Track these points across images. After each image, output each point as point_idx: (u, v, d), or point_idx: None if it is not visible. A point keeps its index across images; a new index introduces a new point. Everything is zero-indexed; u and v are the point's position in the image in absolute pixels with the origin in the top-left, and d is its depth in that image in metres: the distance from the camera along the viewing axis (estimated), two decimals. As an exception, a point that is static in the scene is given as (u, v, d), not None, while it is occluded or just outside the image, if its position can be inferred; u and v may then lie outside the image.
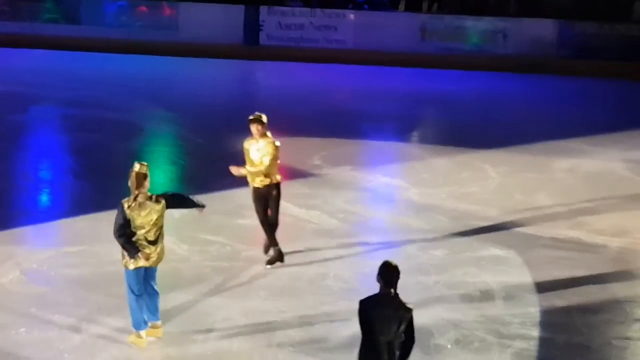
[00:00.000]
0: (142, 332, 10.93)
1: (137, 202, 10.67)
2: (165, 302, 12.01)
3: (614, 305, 12.74)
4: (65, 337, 11.07)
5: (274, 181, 13.21)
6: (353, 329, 11.57)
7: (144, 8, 33.06)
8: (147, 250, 10.74)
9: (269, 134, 13.17)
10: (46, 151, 19.68)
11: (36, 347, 10.83)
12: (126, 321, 11.13)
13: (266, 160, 13.01)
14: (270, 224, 13.35)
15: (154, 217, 10.72)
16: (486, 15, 33.08)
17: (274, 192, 13.26)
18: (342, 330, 11.51)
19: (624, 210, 16.68)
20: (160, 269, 12.94)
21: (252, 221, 15.51)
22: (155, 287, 11.04)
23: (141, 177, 10.71)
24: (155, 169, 18.57)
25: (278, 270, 13.32)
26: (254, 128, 13.08)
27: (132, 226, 10.63)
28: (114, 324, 11.39)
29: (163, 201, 10.82)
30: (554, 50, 32.21)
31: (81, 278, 12.80)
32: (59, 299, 12.13)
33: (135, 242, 10.68)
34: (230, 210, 15.76)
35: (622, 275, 13.87)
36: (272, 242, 13.38)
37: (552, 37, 32.31)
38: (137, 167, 10.77)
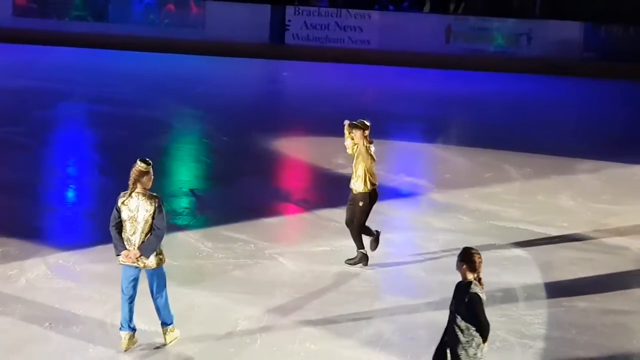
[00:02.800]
0: (122, 334, 10.70)
1: (130, 198, 10.51)
2: (189, 298, 12.13)
3: (636, 307, 12.76)
4: (89, 332, 11.16)
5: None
6: (375, 327, 11.68)
7: (171, 6, 33.23)
8: (131, 249, 10.49)
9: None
10: (73, 147, 19.86)
11: (60, 342, 10.94)
12: (150, 318, 11.22)
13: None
14: (349, 228, 13.42)
15: (142, 215, 10.46)
16: (511, 17, 33.06)
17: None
18: (365, 328, 11.59)
19: (647, 213, 16.70)
20: (185, 265, 13.13)
21: (276, 219, 15.64)
22: (159, 292, 10.73)
23: (139, 174, 10.54)
24: (180, 166, 18.82)
25: (302, 268, 13.42)
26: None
27: (123, 220, 10.51)
28: (138, 320, 11.49)
29: (156, 203, 10.53)
30: (578, 53, 32.19)
31: (106, 274, 12.90)
32: (84, 295, 12.24)
33: (122, 239, 10.51)
34: (255, 208, 15.86)
35: (645, 277, 13.90)
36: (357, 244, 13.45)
37: (577, 40, 32.28)
38: (138, 163, 10.63)
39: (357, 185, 13.17)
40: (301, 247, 14.34)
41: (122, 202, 10.54)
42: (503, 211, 16.42)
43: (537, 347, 11.43)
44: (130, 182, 10.59)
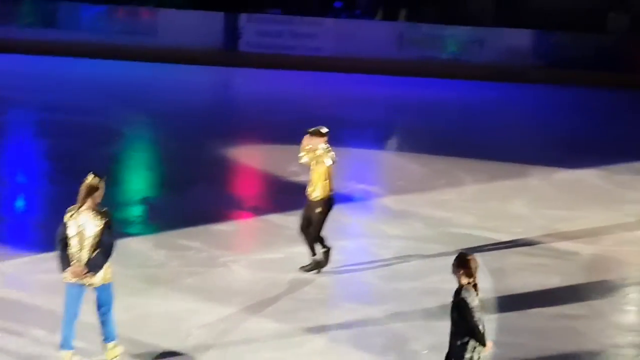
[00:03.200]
0: (63, 353, 10.42)
1: (79, 213, 10.16)
2: (142, 308, 12.07)
3: (586, 311, 12.87)
4: (41, 342, 11.07)
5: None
6: (330, 335, 11.68)
7: (122, 13, 33.04)
8: (77, 265, 10.17)
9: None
10: (23, 156, 19.68)
11: (11, 353, 10.82)
12: (92, 334, 11.12)
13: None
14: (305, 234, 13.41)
15: (91, 230, 10.15)
16: (463, 24, 33.24)
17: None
18: (319, 336, 11.59)
19: (596, 218, 16.84)
20: (137, 274, 13.06)
21: (229, 227, 15.62)
22: (105, 309, 10.41)
23: (90, 190, 10.21)
24: (132, 174, 18.72)
25: (255, 276, 13.39)
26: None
27: (68, 237, 10.19)
28: (89, 330, 11.41)
29: (106, 220, 10.21)
30: (530, 60, 32.40)
31: (57, 284, 12.78)
32: (35, 304, 12.12)
33: (68, 256, 10.20)
34: (208, 216, 15.82)
35: (595, 281, 14.02)
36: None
37: (529, 47, 32.50)
38: (89, 178, 10.29)
39: (315, 192, 13.16)
40: (255, 254, 14.31)
41: (70, 217, 10.24)
42: (456, 217, 16.49)
43: (490, 352, 11.46)
44: (81, 197, 10.23)
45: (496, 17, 33.93)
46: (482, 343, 9.16)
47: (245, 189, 18.71)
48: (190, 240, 14.49)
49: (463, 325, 9.13)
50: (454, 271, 9.25)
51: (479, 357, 9.18)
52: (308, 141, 13.37)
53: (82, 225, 10.18)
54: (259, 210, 16.78)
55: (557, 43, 32.48)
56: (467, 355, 9.14)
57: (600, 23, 32.80)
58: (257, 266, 13.75)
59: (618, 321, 12.76)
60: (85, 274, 10.18)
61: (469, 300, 9.08)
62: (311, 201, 13.22)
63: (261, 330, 11.64)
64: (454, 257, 13.31)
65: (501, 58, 31.92)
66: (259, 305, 12.41)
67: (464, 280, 9.18)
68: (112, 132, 21.55)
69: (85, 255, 10.18)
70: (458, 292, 9.17)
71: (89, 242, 10.18)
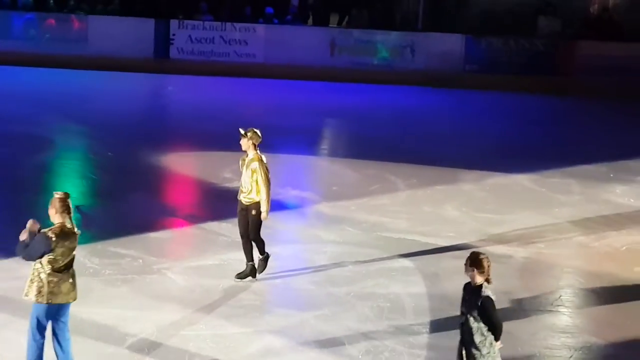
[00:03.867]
0: None
1: (63, 232, 9.99)
2: (76, 315, 11.95)
3: (520, 314, 13.01)
4: None
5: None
6: (265, 341, 11.69)
7: (52, 21, 32.71)
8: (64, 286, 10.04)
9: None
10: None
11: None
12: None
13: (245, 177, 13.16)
14: (245, 240, 13.36)
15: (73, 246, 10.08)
16: (395, 30, 33.43)
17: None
18: (255, 342, 11.60)
19: (529, 222, 17.04)
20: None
21: (163, 234, 15.56)
22: (68, 331, 10.25)
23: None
24: (66, 183, 18.54)
25: (191, 283, 13.36)
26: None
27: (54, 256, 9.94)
28: (22, 339, 11.31)
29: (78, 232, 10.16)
30: (461, 65, 32.68)
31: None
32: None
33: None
34: (142, 224, 15.74)
35: (528, 284, 14.18)
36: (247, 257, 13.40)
37: (460, 52, 32.77)
38: (59, 194, 10.23)
39: (252, 195, 13.13)
40: (190, 261, 14.27)
41: (55, 236, 10.00)
42: (390, 222, 16.58)
43: (425, 356, 11.57)
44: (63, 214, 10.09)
45: (427, 22, 34.16)
46: (499, 338, 9.49)
47: (180, 197, 18.65)
48: (125, 249, 14.41)
49: (486, 322, 9.43)
50: (467, 270, 9.60)
51: (494, 352, 9.50)
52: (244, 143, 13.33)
53: (68, 242, 10.09)
54: (193, 217, 16.73)
55: (487, 48, 32.79)
56: (485, 351, 9.44)
57: (530, 28, 33.18)
58: (192, 273, 13.72)
59: (551, 323, 12.92)
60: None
61: (493, 297, 9.46)
62: (246, 205, 13.20)
63: (197, 337, 11.61)
64: (389, 261, 13.45)
65: (433, 63, 32.15)
66: (195, 312, 12.38)
67: (479, 279, 9.53)
68: (43, 141, 21.34)
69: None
70: (476, 291, 9.48)
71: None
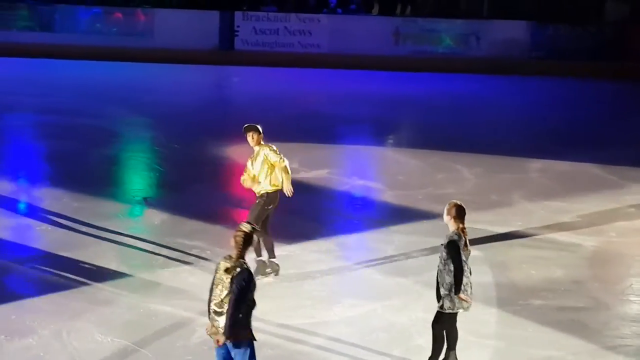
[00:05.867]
0: None
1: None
2: (146, 307, 12.08)
3: (590, 303, 12.87)
4: (45, 343, 11.08)
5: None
6: (334, 331, 11.68)
7: (118, 14, 33.03)
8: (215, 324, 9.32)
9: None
10: (21, 159, 19.63)
11: (16, 354, 10.84)
12: (107, 327, 11.13)
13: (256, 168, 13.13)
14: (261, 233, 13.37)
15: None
16: (459, 18, 33.24)
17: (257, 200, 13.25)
18: (323, 333, 11.58)
19: (598, 209, 16.86)
20: (140, 274, 13.08)
21: (230, 226, 15.61)
22: None
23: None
24: (132, 175, 18.70)
25: (257, 274, 13.37)
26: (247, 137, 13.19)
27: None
28: (93, 330, 11.42)
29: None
30: (526, 52, 32.42)
31: (59, 285, 12.82)
32: (38, 306, 12.13)
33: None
34: (209, 215, 15.81)
35: (598, 273, 14.03)
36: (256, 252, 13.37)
37: (525, 39, 32.52)
38: (246, 227, 9.30)
39: (264, 185, 13.11)
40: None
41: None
42: (457, 211, 16.46)
43: (493, 345, 11.49)
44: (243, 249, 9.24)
45: (492, 9, 33.92)
46: (458, 289, 10.38)
47: (244, 188, 18.68)
48: (192, 240, 14.48)
49: (453, 262, 10.36)
50: (445, 218, 10.58)
51: (459, 306, 10.40)
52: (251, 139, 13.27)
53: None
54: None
55: (553, 34, 32.49)
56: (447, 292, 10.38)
57: (597, 13, 32.80)
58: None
59: (622, 312, 12.76)
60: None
61: (459, 243, 10.37)
62: (271, 194, 13.14)
63: (264, 328, 11.62)
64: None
65: (498, 51, 31.93)
66: (262, 303, 12.36)
67: (454, 226, 10.46)
68: (111, 134, 21.54)
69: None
70: (451, 236, 10.45)
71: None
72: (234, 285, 9.05)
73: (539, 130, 23.25)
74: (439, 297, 10.54)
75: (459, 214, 10.55)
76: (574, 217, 16.44)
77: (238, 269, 9.11)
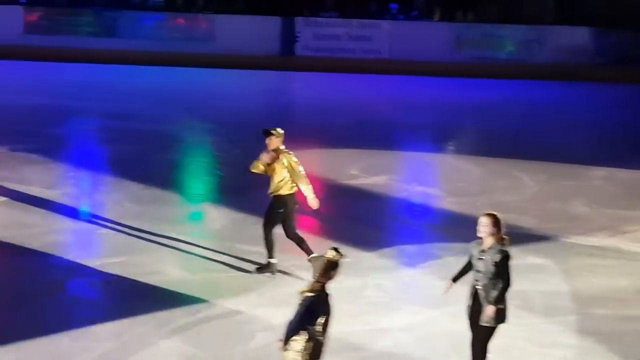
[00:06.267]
0: None
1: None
2: (205, 311, 12.14)
3: (654, 314, 12.73)
4: (105, 346, 11.17)
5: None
6: (393, 338, 11.65)
7: (180, 20, 33.29)
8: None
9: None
10: (85, 163, 19.83)
11: (76, 356, 10.94)
12: (167, 331, 11.19)
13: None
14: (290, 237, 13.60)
15: None
16: (521, 24, 33.04)
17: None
18: (382, 339, 11.57)
19: (661, 218, 16.66)
20: (200, 279, 13.17)
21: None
22: None
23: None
24: (193, 180, 18.81)
25: (317, 279, 13.37)
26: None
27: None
28: (154, 333, 11.50)
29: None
30: (589, 58, 32.13)
31: (120, 288, 12.94)
32: (99, 308, 12.27)
33: None
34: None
35: (662, 283, 13.85)
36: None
37: (588, 45, 32.23)
38: (330, 254, 9.13)
39: (270, 189, 13.43)
40: (316, 258, 14.28)
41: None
42: (518, 219, 16.33)
43: (555, 355, 11.39)
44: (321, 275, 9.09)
45: (555, 15, 33.68)
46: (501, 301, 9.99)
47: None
48: (252, 245, 14.50)
49: (502, 277, 9.95)
50: (484, 232, 10.17)
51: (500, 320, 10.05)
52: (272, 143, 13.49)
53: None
54: (319, 214, 16.74)
55: (616, 40, 32.17)
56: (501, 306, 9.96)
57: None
58: (319, 270, 13.73)
59: (686, 322, 12.59)
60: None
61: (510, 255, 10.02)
62: (288, 198, 13.41)
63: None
64: (516, 258, 13.28)
65: (560, 57, 31.68)
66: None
67: (496, 239, 10.05)
68: (172, 139, 21.69)
69: None
70: (501, 251, 10.01)
71: None
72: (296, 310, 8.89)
73: (602, 137, 23.03)
74: (473, 312, 10.16)
75: (499, 225, 10.22)
76: (636, 225, 16.24)
77: (307, 294, 8.95)
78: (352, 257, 14.15)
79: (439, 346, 11.43)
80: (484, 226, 10.20)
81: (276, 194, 13.34)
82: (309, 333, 8.85)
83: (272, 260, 13.48)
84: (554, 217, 16.62)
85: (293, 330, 8.83)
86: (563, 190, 18.40)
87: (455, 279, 10.57)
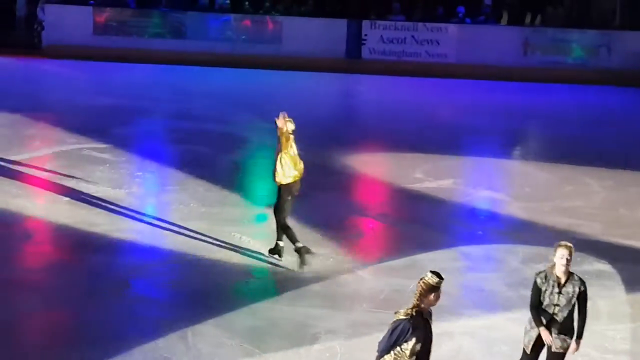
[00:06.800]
0: None
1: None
2: (269, 313, 12.19)
3: None
4: (170, 344, 11.26)
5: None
6: (456, 342, 11.60)
7: (247, 22, 33.44)
8: None
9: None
10: (152, 163, 19.99)
11: (146, 355, 11.05)
12: (231, 331, 11.24)
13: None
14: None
15: None
16: (590, 28, 32.70)
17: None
18: (445, 343, 11.52)
19: None
20: (264, 281, 13.22)
21: (354, 234, 15.65)
22: None
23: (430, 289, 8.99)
24: (258, 181, 18.88)
25: (380, 282, 13.39)
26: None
27: None
28: (218, 333, 11.57)
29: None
30: (658, 64, 31.70)
31: (185, 288, 13.03)
32: (164, 308, 12.37)
33: None
34: (333, 223, 15.87)
35: None
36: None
37: (657, 50, 31.82)
38: (430, 278, 9.08)
39: (276, 177, 14.15)
40: (380, 261, 14.30)
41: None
42: (585, 225, 16.23)
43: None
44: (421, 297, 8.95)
45: (624, 20, 33.28)
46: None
47: (370, 196, 18.70)
48: (316, 247, 14.53)
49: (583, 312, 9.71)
50: (569, 264, 9.76)
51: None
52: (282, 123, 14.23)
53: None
54: (383, 217, 16.76)
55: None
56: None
57: None
58: (382, 272, 13.75)
59: None
60: None
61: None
62: (295, 184, 13.99)
63: (387, 337, 11.61)
64: (583, 264, 13.16)
65: (630, 62, 31.30)
66: (384, 312, 12.38)
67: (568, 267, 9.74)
68: (238, 140, 21.79)
69: None
70: (581, 282, 9.74)
71: None
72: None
73: (671, 144, 22.75)
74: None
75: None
76: None
77: (400, 317, 8.82)
78: (417, 260, 14.14)
79: (501, 352, 11.38)
80: (567, 259, 9.71)
81: (283, 183, 13.82)
82: (394, 355, 8.73)
83: (280, 243, 13.93)
84: (621, 224, 16.45)
85: (382, 350, 8.76)
86: (630, 196, 18.20)
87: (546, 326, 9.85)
